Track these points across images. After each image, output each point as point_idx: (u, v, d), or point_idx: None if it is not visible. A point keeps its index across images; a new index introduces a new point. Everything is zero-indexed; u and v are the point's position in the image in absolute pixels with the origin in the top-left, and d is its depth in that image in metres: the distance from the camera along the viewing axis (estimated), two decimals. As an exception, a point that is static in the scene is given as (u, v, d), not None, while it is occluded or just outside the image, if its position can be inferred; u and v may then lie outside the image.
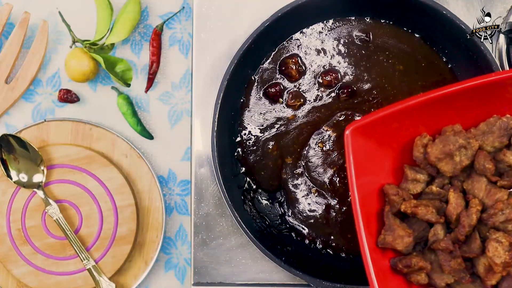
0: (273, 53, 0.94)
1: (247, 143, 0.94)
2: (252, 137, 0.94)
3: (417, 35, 0.93)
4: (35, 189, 0.96)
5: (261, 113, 0.94)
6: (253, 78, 0.94)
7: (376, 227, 0.81)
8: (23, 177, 0.96)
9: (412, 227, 0.82)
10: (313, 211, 0.93)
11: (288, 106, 0.94)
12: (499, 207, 0.78)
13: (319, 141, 0.93)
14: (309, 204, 0.93)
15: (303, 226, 0.94)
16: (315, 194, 0.93)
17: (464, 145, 0.79)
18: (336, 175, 0.93)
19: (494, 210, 0.78)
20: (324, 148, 0.93)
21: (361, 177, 0.78)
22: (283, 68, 0.93)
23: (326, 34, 0.93)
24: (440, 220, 0.80)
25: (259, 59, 0.93)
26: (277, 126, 0.94)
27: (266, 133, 0.94)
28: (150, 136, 1.00)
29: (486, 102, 0.81)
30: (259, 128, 0.94)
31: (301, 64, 0.94)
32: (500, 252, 0.76)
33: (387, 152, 0.83)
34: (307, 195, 0.93)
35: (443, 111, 0.81)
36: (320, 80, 0.93)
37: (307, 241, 0.93)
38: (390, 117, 0.79)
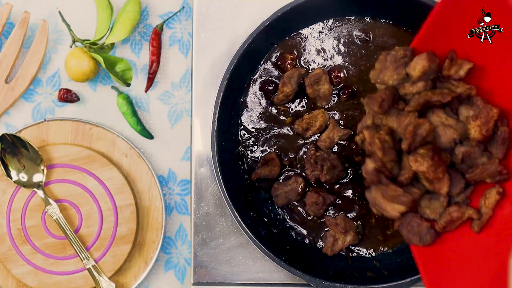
0: (273, 53, 0.94)
1: (247, 143, 0.94)
2: (252, 137, 0.94)
3: (417, 35, 0.92)
4: (35, 189, 0.96)
5: (260, 113, 0.94)
6: (253, 78, 0.94)
7: None
8: (23, 177, 0.96)
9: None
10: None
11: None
12: (410, 131, 0.77)
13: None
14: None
15: (303, 226, 0.94)
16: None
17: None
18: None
19: (407, 136, 0.77)
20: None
21: None
22: (283, 68, 0.93)
23: (326, 34, 0.93)
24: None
25: (259, 59, 0.93)
26: (276, 126, 0.94)
27: (266, 133, 0.94)
28: (150, 136, 1.00)
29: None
30: (258, 128, 0.94)
31: (301, 64, 0.94)
32: (420, 161, 0.77)
33: None
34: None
35: None
36: (320, 80, 0.93)
37: (307, 241, 0.93)
38: None
